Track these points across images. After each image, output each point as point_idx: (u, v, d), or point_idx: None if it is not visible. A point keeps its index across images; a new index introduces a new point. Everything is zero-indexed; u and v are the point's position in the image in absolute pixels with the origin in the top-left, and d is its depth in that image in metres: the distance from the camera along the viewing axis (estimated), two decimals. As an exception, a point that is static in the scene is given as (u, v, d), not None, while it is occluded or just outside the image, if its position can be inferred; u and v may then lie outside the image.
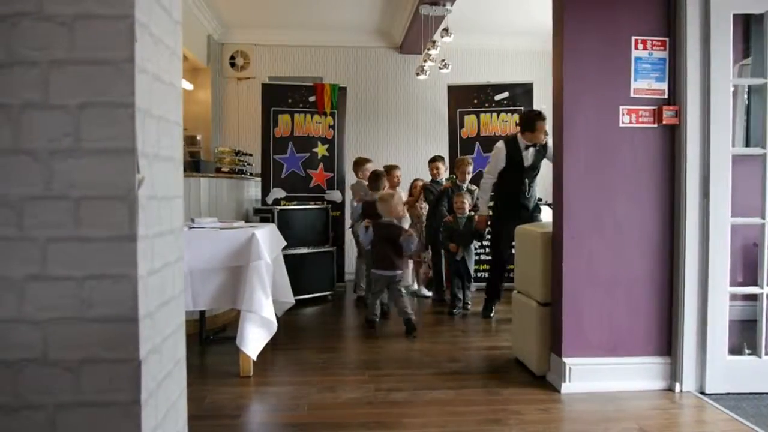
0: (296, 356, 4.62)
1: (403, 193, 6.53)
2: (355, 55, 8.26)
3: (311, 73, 7.98)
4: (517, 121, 5.58)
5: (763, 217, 3.63)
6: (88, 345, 1.39)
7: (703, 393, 3.59)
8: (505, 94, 7.12)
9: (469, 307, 5.99)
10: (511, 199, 5.50)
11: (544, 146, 5.41)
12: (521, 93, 7.13)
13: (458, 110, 7.14)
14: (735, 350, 3.70)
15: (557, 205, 3.76)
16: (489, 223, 5.71)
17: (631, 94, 3.67)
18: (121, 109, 1.39)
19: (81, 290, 1.39)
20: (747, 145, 3.73)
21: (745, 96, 4.26)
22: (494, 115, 7.10)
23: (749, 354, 3.71)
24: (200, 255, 3.88)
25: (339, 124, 7.20)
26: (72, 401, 1.40)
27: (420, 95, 8.24)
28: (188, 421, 3.20)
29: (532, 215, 5.52)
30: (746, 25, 3.97)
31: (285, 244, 4.84)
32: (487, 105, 7.16)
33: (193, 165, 5.51)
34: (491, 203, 5.66)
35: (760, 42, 3.70)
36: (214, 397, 3.64)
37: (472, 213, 5.91)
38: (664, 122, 3.63)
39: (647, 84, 3.69)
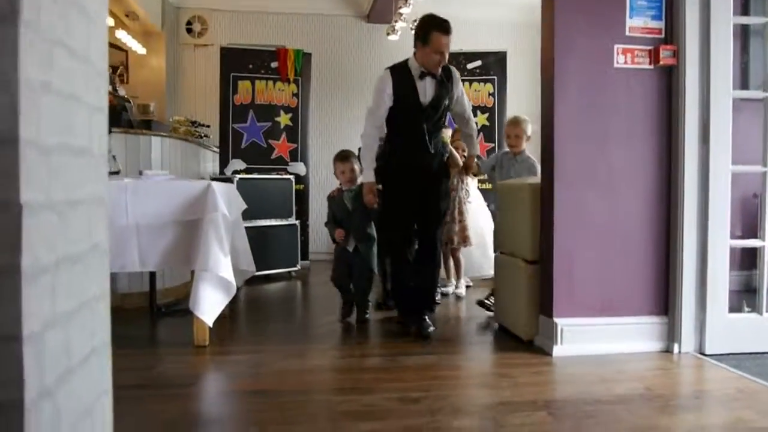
0: (259, 327, 4.24)
1: None
2: (319, 23, 7.86)
3: (273, 42, 7.54)
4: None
5: (765, 165, 3.38)
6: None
7: (702, 354, 3.32)
8: (478, 63, 6.81)
9: (367, 315, 4.26)
10: (406, 157, 3.78)
11: (449, 78, 3.82)
12: (494, 61, 6.84)
13: (429, 80, 6.80)
14: (734, 308, 3.45)
15: (547, 153, 3.45)
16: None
17: (627, 33, 3.38)
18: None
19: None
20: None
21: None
22: (466, 84, 6.77)
23: (749, 312, 3.47)
24: (149, 208, 3.44)
25: (303, 92, 6.79)
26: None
27: (389, 64, 7.86)
28: (129, 390, 2.79)
29: (439, 181, 3.86)
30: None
31: (245, 206, 4.42)
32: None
33: (145, 124, 5.03)
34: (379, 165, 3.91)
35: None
36: (164, 366, 3.21)
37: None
38: (661, 63, 3.35)
39: (643, 22, 3.40)
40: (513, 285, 3.70)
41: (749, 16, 3.49)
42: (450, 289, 5.24)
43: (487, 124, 6.78)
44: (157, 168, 4.74)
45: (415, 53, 3.78)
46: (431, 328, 3.74)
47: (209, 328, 3.51)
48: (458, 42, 7.56)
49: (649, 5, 3.40)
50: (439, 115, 3.79)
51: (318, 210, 7.20)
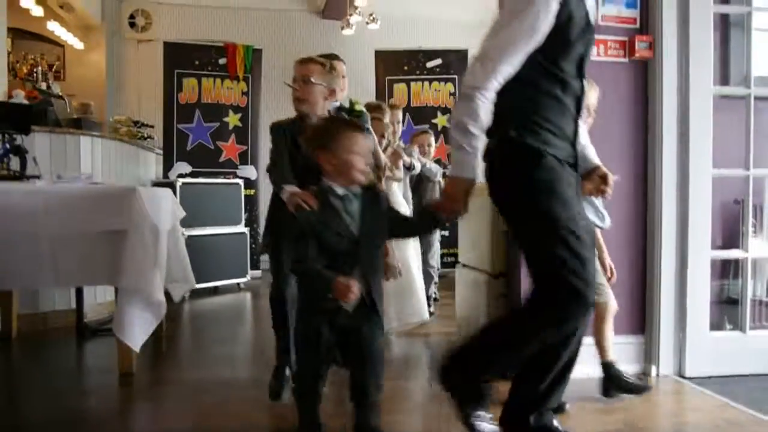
0: (199, 351, 3.82)
1: None
2: (271, 18, 7.43)
3: (222, 38, 7.10)
4: None
5: (747, 168, 3.11)
6: None
7: (682, 376, 3.03)
8: (438, 61, 6.50)
9: None
10: (562, 139, 2.00)
11: None
12: (455, 60, 6.53)
13: (387, 78, 6.46)
14: (715, 325, 3.18)
15: (513, 155, 3.12)
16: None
17: (600, 21, 3.07)
18: None
19: None
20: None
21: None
22: (426, 83, 6.47)
23: (731, 329, 3.20)
24: (65, 216, 3.01)
25: (253, 91, 6.38)
26: None
27: (345, 62, 7.47)
28: (35, 429, 2.38)
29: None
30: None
31: (184, 214, 4.01)
32: (418, 72, 6.52)
33: (74, 122, 4.55)
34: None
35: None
36: (79, 400, 2.80)
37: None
38: (636, 56, 3.06)
39: (616, 10, 3.10)
40: (476, 301, 3.36)
41: (730, 5, 3.22)
42: None
43: (448, 126, 6.45)
44: (87, 173, 4.28)
45: None
46: None
47: (136, 353, 3.11)
48: (417, 40, 7.29)
49: (622, -8, 3.11)
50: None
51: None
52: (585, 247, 1.94)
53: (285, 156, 2.59)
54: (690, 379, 2.99)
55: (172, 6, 7.18)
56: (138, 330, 3.06)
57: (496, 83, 1.90)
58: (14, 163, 3.70)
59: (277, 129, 2.72)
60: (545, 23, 1.87)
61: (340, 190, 2.06)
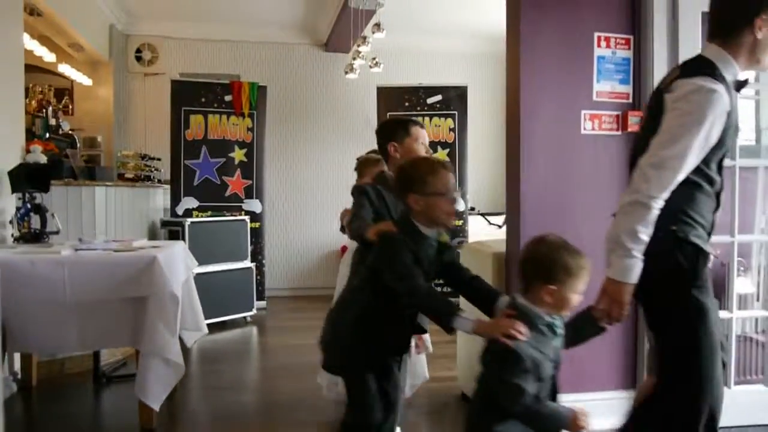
0: (213, 401, 3.96)
1: None
2: (275, 52, 7.60)
3: (227, 71, 7.28)
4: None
5: (732, 235, 3.30)
6: None
7: (672, 431, 3.22)
8: (438, 97, 6.68)
9: None
10: (707, 225, 2.15)
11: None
12: (455, 96, 6.71)
13: (388, 113, 6.62)
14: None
15: (512, 221, 3.31)
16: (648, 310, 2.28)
17: (594, 98, 3.26)
18: None
19: None
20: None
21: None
22: (426, 119, 6.64)
23: (718, 385, 3.38)
24: (89, 284, 3.18)
25: (258, 127, 6.54)
26: None
27: (348, 97, 7.65)
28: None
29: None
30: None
31: (196, 265, 4.19)
32: (419, 108, 6.69)
33: (87, 172, 4.73)
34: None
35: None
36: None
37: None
38: (629, 129, 3.25)
39: (610, 86, 3.30)
40: (476, 354, 3.53)
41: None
42: None
43: (448, 160, 6.66)
44: (102, 221, 4.46)
45: (722, 41, 2.08)
46: None
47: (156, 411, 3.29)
48: (418, 75, 7.47)
49: (616, 69, 3.29)
50: None
51: (275, 248, 6.99)
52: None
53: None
54: (679, 434, 3.18)
55: (178, 40, 7.34)
56: (158, 390, 3.24)
57: (669, 192, 2.01)
58: (35, 221, 3.86)
59: (396, 241, 2.20)
60: (717, 132, 1.99)
61: (547, 317, 1.98)
